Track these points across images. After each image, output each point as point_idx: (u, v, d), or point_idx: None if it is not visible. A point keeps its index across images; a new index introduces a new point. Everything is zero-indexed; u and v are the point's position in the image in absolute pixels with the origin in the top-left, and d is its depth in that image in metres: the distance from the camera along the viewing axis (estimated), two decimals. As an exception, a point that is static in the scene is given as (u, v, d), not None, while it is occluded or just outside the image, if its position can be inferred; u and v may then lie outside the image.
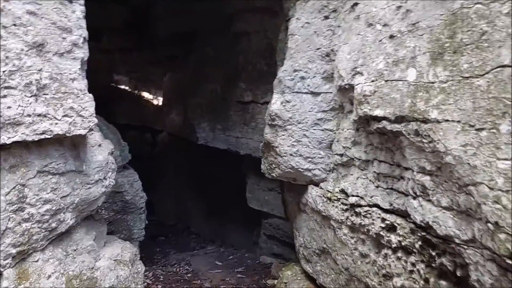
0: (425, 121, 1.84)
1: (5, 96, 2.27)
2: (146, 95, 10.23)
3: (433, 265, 1.98)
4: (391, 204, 2.26)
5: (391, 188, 2.28)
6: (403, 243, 2.15)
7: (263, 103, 5.48)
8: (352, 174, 2.67)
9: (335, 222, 2.78)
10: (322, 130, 3.02)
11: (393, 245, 2.22)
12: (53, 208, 2.75)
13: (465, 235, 1.71)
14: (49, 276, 2.76)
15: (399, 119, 2.02)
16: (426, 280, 2.03)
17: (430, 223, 1.88)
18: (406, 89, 2.00)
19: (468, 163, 1.60)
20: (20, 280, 2.54)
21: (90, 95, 3.01)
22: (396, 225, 2.20)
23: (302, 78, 3.07)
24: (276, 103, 3.16)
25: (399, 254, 2.19)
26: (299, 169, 3.12)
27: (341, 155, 2.75)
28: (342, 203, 2.68)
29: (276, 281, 4.21)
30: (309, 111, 3.04)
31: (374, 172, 2.41)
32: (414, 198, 2.03)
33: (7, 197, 2.40)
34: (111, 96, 10.03)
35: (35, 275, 2.63)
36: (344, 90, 2.61)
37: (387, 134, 2.19)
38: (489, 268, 1.60)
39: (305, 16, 3.10)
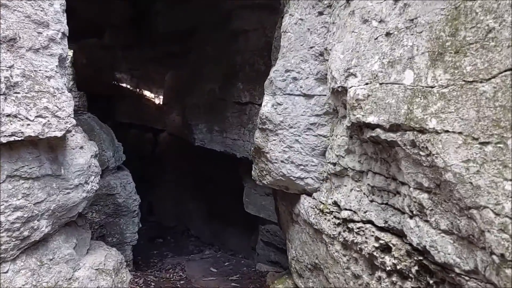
0: (423, 131, 1.61)
1: (-34, 94, 2.09)
2: (147, 93, 10.07)
3: (431, 294, 1.74)
4: (386, 222, 2.02)
5: (387, 204, 2.04)
6: (398, 266, 1.91)
7: (261, 104, 5.25)
8: (345, 185, 2.43)
9: (327, 236, 2.55)
10: (316, 135, 2.78)
11: (388, 268, 1.98)
12: (25, 216, 2.58)
13: (467, 265, 1.48)
14: (20, 289, 2.58)
15: (394, 128, 1.79)
16: (423, 310, 1.79)
17: (428, 247, 1.65)
18: (402, 94, 1.77)
19: (471, 183, 1.36)
20: (-13, 293, 2.36)
21: (69, 94, 2.83)
22: (391, 245, 1.96)
23: (295, 79, 2.84)
24: (267, 106, 2.94)
25: (394, 279, 1.95)
26: (291, 177, 2.89)
27: (334, 164, 2.52)
28: (335, 217, 2.45)
29: (269, 293, 4.00)
30: (302, 115, 2.81)
31: (368, 184, 2.17)
32: (411, 217, 1.80)
33: (-30, 204, 2.22)
34: (112, 94, 9.91)
35: (4, 288, 2.45)
36: (338, 92, 2.37)
37: (382, 144, 1.96)
38: (493, 306, 1.36)
39: (299, 12, 2.86)
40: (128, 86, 10.19)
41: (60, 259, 3.00)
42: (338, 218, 2.41)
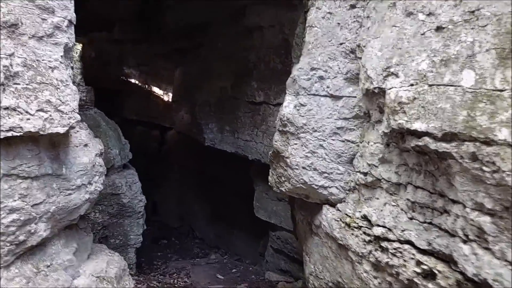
0: (488, 142, 1.36)
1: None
2: (156, 90, 9.85)
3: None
4: (429, 244, 1.76)
5: (430, 223, 1.78)
6: (444, 297, 1.65)
7: (276, 105, 5.02)
8: (378, 198, 2.17)
9: (354, 254, 2.29)
10: (343, 141, 2.52)
11: (431, 297, 1.72)
12: (22, 218, 2.36)
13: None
14: (14, 298, 2.35)
15: (449, 137, 1.53)
16: None
17: (490, 280, 1.39)
18: (460, 98, 1.51)
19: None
20: (-22, 303, 2.13)
21: (74, 87, 2.60)
22: (436, 271, 1.70)
23: (321, 78, 2.58)
24: (288, 106, 2.68)
25: (439, 311, 1.69)
26: (313, 185, 2.63)
27: (365, 173, 2.26)
28: (364, 233, 2.19)
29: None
30: (328, 118, 2.55)
31: (408, 199, 1.91)
32: (465, 242, 1.53)
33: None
34: (120, 89, 9.71)
35: (-4, 297, 2.21)
36: (372, 94, 2.12)
37: (429, 155, 1.70)
38: None
39: (327, 5, 2.61)
40: (137, 82, 9.98)
41: (59, 265, 2.77)
42: (369, 235, 2.15)
